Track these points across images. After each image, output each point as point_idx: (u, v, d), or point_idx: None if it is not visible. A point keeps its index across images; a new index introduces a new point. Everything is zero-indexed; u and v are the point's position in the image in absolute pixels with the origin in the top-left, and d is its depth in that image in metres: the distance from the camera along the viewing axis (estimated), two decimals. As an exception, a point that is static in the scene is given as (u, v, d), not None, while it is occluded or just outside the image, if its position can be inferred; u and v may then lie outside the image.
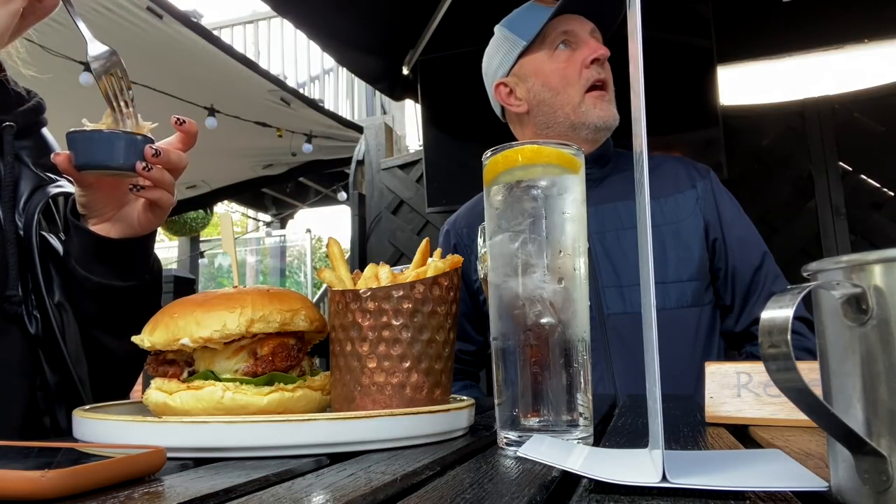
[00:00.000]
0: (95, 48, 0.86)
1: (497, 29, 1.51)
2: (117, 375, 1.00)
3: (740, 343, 1.46)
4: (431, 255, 0.74)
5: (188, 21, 3.20)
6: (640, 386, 0.44)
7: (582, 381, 0.63)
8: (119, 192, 0.91)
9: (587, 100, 1.39)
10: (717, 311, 1.44)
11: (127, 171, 0.82)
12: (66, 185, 1.02)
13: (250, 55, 5.07)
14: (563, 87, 1.40)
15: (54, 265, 0.95)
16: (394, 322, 0.68)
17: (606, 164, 1.48)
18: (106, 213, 0.92)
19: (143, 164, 0.82)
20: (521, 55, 1.44)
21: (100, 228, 0.92)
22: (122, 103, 0.85)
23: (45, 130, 1.05)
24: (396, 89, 4.02)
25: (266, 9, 3.16)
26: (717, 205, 1.44)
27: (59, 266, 0.96)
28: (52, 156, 0.84)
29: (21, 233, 0.93)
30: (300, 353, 0.73)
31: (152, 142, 0.84)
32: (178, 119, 0.86)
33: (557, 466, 0.48)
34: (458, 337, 1.49)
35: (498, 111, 1.55)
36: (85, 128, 0.82)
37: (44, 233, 0.96)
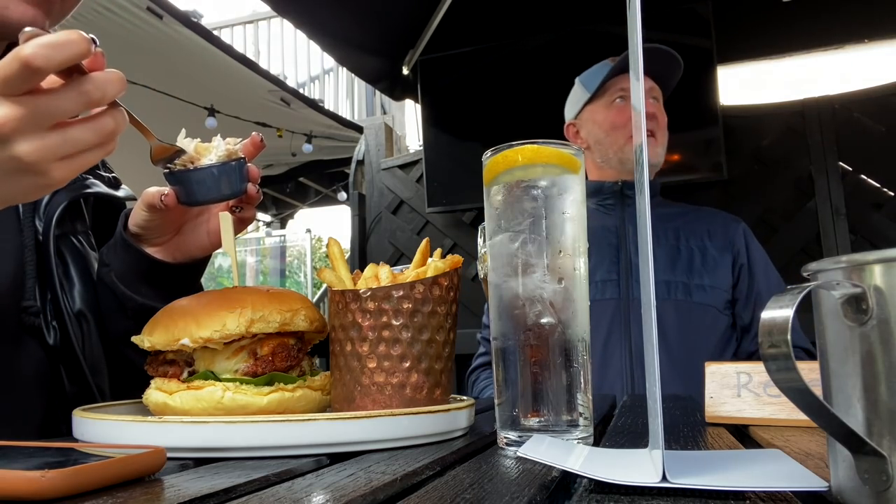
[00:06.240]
0: None
1: (577, 79, 1.87)
2: (139, 389, 0.99)
3: None
4: (431, 255, 0.74)
5: (188, 21, 3.20)
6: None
7: (582, 380, 0.63)
8: (186, 215, 0.89)
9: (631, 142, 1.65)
10: (734, 333, 1.62)
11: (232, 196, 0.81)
12: (95, 185, 0.97)
13: (250, 55, 5.06)
14: (612, 131, 1.72)
15: (77, 271, 0.92)
16: (394, 322, 0.68)
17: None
18: (165, 237, 0.90)
19: (255, 187, 0.81)
20: (586, 104, 1.78)
21: (155, 251, 0.89)
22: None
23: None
24: (396, 89, 4.01)
25: (266, 9, 3.16)
26: (747, 243, 1.68)
27: (82, 272, 0.92)
28: (161, 198, 0.81)
29: (40, 237, 0.89)
30: (300, 353, 0.73)
31: (246, 161, 0.81)
32: (262, 138, 0.84)
33: (557, 466, 0.48)
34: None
35: None
36: (188, 167, 0.77)
37: (72, 236, 0.93)
